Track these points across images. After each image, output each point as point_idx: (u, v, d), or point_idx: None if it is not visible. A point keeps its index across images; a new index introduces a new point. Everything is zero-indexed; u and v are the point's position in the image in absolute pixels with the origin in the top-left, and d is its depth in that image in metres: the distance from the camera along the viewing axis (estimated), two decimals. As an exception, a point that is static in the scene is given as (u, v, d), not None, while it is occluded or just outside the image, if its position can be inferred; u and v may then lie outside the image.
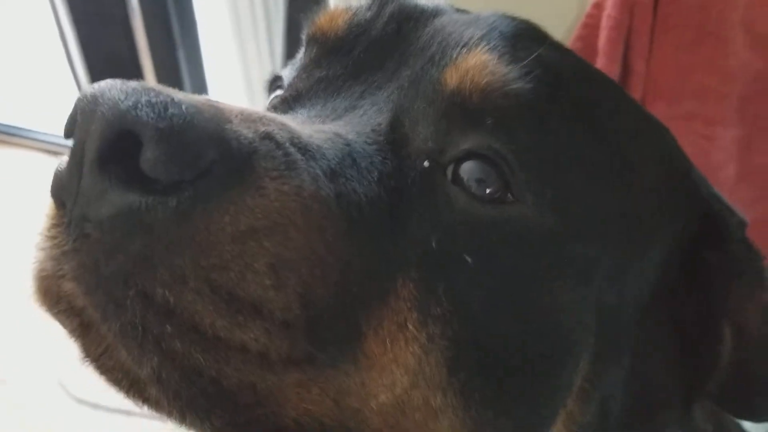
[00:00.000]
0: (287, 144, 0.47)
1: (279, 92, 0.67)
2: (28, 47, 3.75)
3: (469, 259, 0.51)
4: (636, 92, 1.24)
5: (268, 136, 0.46)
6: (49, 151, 3.65)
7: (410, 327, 0.50)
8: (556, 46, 0.60)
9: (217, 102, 0.47)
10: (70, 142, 0.44)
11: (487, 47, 0.54)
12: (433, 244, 0.51)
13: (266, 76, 2.08)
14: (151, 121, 0.39)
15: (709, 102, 1.21)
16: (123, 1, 2.23)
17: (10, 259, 2.97)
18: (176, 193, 0.41)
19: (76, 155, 0.42)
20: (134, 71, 2.38)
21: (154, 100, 0.40)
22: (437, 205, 0.52)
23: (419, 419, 0.52)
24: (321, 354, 0.47)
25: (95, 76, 2.47)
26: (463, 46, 0.56)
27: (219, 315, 0.43)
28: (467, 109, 0.53)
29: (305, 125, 0.54)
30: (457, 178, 0.53)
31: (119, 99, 0.40)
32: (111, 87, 0.41)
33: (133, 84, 0.42)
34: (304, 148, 0.48)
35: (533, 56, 0.53)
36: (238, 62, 2.30)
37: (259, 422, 0.46)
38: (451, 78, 0.54)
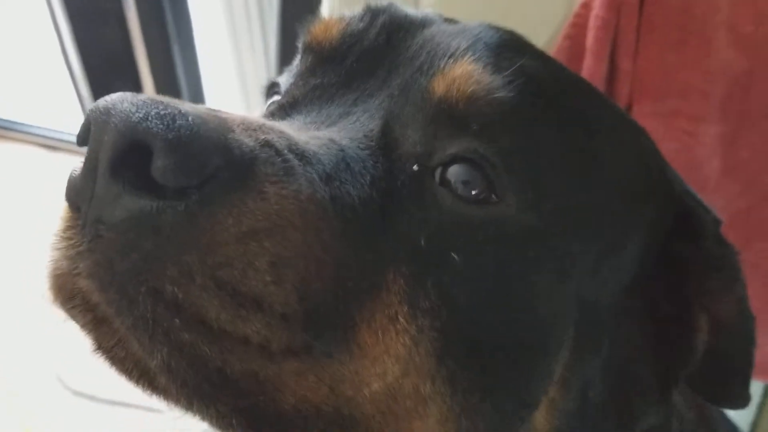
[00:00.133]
0: (286, 151, 0.50)
1: (276, 98, 0.70)
2: (25, 42, 3.73)
3: (455, 256, 0.54)
4: (623, 89, 1.26)
5: (267, 144, 0.49)
6: (45, 146, 3.63)
7: (401, 319, 0.52)
8: (538, 56, 0.63)
9: (220, 111, 0.50)
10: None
11: (472, 58, 0.57)
12: (422, 242, 0.54)
13: (260, 71, 2.09)
14: (160, 132, 0.42)
15: (693, 99, 1.22)
16: (118, -4, 2.25)
17: (7, 255, 2.98)
18: (184, 197, 0.44)
19: (91, 163, 0.44)
20: (130, 67, 2.40)
21: (162, 112, 0.43)
22: (426, 205, 0.55)
23: (410, 405, 0.54)
24: (317, 345, 0.49)
25: (91, 71, 2.48)
26: (450, 57, 0.59)
27: (223, 309, 0.46)
28: (454, 115, 0.56)
29: (302, 132, 0.57)
30: (444, 181, 0.55)
31: (131, 111, 0.43)
32: (123, 100, 0.44)
33: (143, 97, 0.44)
34: (301, 154, 0.51)
35: (515, 66, 0.56)
36: (232, 58, 2.30)
37: (260, 408, 0.49)
38: (439, 86, 0.57)
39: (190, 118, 0.44)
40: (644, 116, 1.24)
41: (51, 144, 3.61)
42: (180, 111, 0.44)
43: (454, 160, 0.55)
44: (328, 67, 0.65)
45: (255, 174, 0.47)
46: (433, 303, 0.53)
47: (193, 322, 0.45)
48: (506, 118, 0.55)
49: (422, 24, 0.66)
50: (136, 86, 2.42)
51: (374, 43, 0.65)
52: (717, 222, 0.66)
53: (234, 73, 2.34)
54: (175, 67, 2.38)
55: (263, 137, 0.50)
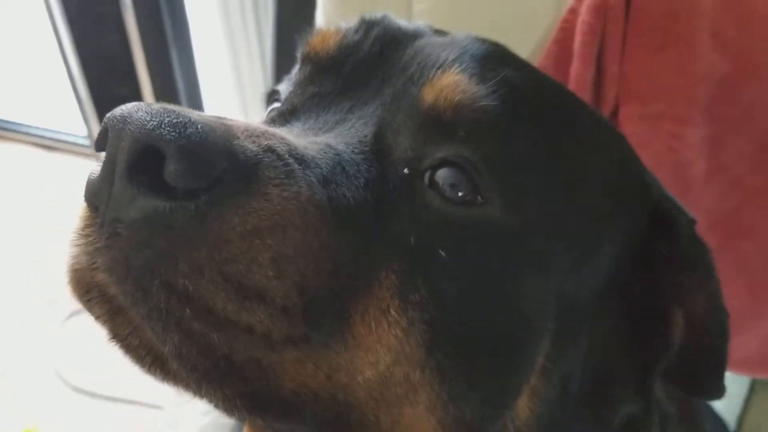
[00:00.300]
0: (286, 155, 0.53)
1: (276, 105, 0.73)
2: (23, 42, 3.73)
3: (443, 253, 0.56)
4: (610, 93, 1.27)
5: (270, 149, 0.52)
6: (43, 146, 3.64)
7: (392, 312, 0.55)
8: (522, 66, 0.66)
9: (226, 119, 0.53)
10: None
11: (459, 68, 0.60)
12: (412, 241, 0.57)
13: (256, 71, 2.11)
14: (173, 139, 0.45)
15: (679, 103, 1.24)
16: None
17: (6, 254, 3.00)
18: (194, 198, 0.47)
19: (109, 166, 0.48)
20: (128, 68, 2.41)
21: (175, 120, 0.46)
22: (416, 206, 0.58)
23: (400, 392, 0.57)
24: (315, 335, 0.53)
25: (89, 72, 2.49)
26: (439, 67, 0.61)
27: (230, 301, 0.49)
28: (442, 122, 0.59)
29: (301, 137, 0.60)
30: (433, 183, 0.58)
31: (145, 120, 0.46)
32: (138, 108, 0.47)
33: (156, 106, 0.47)
34: (301, 159, 0.54)
35: (499, 77, 0.59)
36: (228, 58, 2.32)
37: (262, 392, 0.52)
38: (428, 95, 0.60)
39: (199, 126, 0.47)
40: (631, 119, 1.26)
41: (49, 144, 3.61)
42: (190, 119, 0.47)
43: (442, 164, 0.58)
44: (326, 77, 0.68)
45: (259, 177, 0.50)
46: (422, 297, 0.56)
47: (202, 312, 0.48)
48: (490, 125, 0.58)
49: (414, 36, 0.69)
50: (135, 87, 2.43)
51: (369, 54, 0.68)
52: (691, 222, 0.68)
53: (230, 74, 2.35)
54: (173, 68, 2.40)
55: (266, 143, 0.53)
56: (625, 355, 0.69)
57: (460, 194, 0.58)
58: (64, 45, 2.50)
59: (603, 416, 0.70)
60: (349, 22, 0.73)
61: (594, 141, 0.67)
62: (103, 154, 0.49)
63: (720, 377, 0.70)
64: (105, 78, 2.49)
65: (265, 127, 0.57)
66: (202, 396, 0.53)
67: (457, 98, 0.59)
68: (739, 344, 1.35)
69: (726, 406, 1.51)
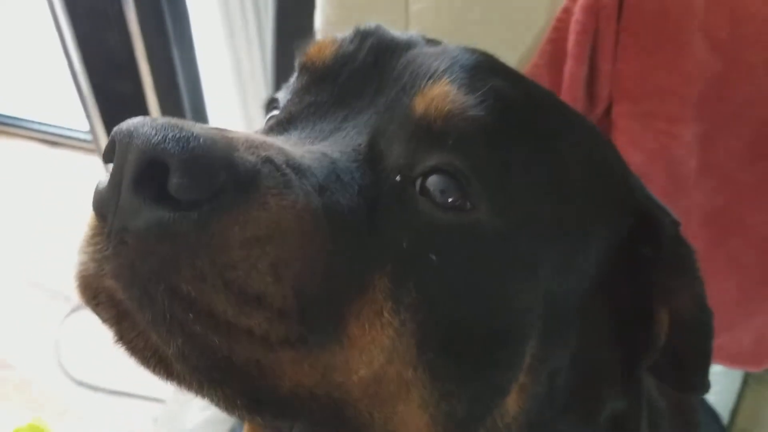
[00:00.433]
0: (284, 166, 0.55)
1: (275, 112, 0.75)
2: (25, 38, 3.73)
3: (434, 257, 0.58)
4: (603, 91, 1.28)
5: (268, 160, 0.54)
6: (46, 141, 3.66)
7: (385, 314, 0.57)
8: (509, 75, 0.68)
9: (226, 131, 0.55)
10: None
11: (449, 79, 0.62)
12: (404, 245, 0.58)
13: (256, 65, 2.12)
14: (176, 153, 0.48)
15: (671, 101, 1.25)
16: (118, -1, 2.27)
17: (9, 249, 3.01)
18: (197, 208, 0.49)
19: (116, 178, 0.50)
20: (129, 64, 2.42)
21: (178, 135, 0.48)
22: (407, 212, 0.60)
23: (393, 390, 0.59)
24: (311, 336, 0.55)
25: (91, 69, 2.50)
26: (430, 78, 0.63)
27: (230, 305, 0.51)
28: (432, 131, 0.61)
29: (297, 146, 0.62)
30: (424, 190, 0.60)
31: (150, 134, 0.48)
32: (144, 124, 0.49)
33: (161, 121, 0.49)
34: (298, 168, 0.56)
35: (487, 87, 0.61)
36: (228, 54, 2.33)
37: (261, 391, 0.55)
38: (419, 105, 0.62)
39: (201, 140, 0.49)
40: (624, 117, 1.27)
41: (51, 140, 3.63)
42: (193, 134, 0.49)
43: (432, 171, 0.60)
44: (322, 86, 0.70)
45: (257, 187, 0.52)
46: (414, 299, 0.58)
47: (204, 316, 0.50)
48: (478, 134, 0.59)
49: (406, 46, 0.71)
50: (136, 83, 2.44)
51: (363, 64, 0.69)
52: (675, 224, 0.69)
53: (231, 71, 2.36)
54: (174, 64, 2.40)
55: (264, 154, 0.55)
56: (611, 352, 0.71)
57: (449, 200, 0.59)
58: (66, 42, 2.50)
59: (590, 411, 0.72)
60: (344, 31, 0.75)
61: (580, 146, 0.68)
62: (110, 166, 0.51)
63: (705, 374, 0.72)
64: (107, 75, 2.50)
65: (264, 138, 0.59)
66: (204, 395, 0.55)
67: (446, 108, 0.60)
68: (731, 339, 1.37)
69: (719, 400, 1.53)
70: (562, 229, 0.64)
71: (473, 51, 0.67)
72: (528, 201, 0.61)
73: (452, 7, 1.38)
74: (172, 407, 1.62)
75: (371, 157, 0.62)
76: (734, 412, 1.59)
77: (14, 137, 3.70)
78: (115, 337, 0.55)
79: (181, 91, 2.48)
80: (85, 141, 3.48)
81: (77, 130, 3.56)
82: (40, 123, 3.68)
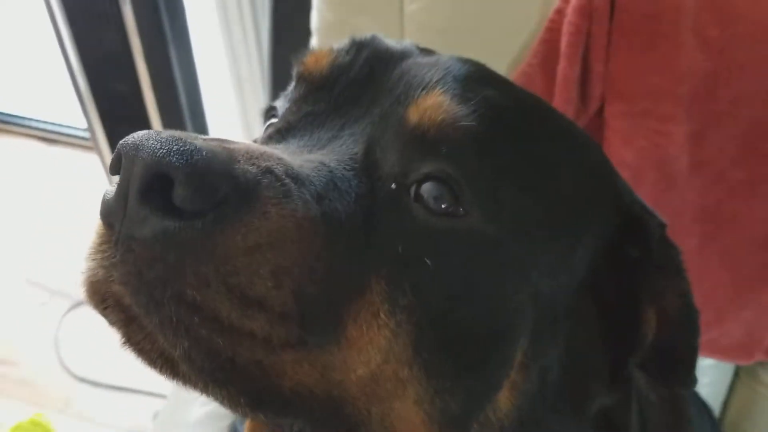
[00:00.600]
0: (283, 176, 0.57)
1: (273, 120, 0.77)
2: (23, 36, 3.72)
3: (428, 261, 0.60)
4: (596, 91, 1.29)
5: (268, 170, 0.56)
6: (43, 139, 3.65)
7: (382, 316, 0.59)
8: (501, 85, 0.69)
9: (228, 142, 0.58)
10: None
11: (442, 90, 0.64)
12: (400, 250, 0.60)
13: (254, 65, 2.13)
14: (180, 166, 0.50)
15: (663, 100, 1.25)
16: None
17: (7, 247, 3.02)
18: (201, 218, 0.52)
19: (122, 189, 0.52)
20: (127, 63, 2.43)
21: (182, 149, 0.50)
22: (402, 218, 0.61)
23: (390, 388, 0.61)
24: (311, 338, 0.57)
25: (89, 67, 2.50)
26: (423, 88, 0.65)
27: (233, 309, 0.53)
28: (426, 140, 0.62)
29: (296, 155, 0.64)
30: (418, 197, 0.61)
31: (156, 148, 0.50)
32: (149, 137, 0.51)
33: (166, 134, 0.52)
34: (296, 178, 0.58)
35: (479, 97, 0.63)
36: (226, 54, 2.35)
37: (263, 390, 0.57)
38: (413, 115, 0.64)
39: (204, 153, 0.51)
40: (616, 117, 1.29)
41: (49, 137, 3.62)
42: (196, 147, 0.51)
43: (426, 178, 0.61)
44: (319, 96, 0.72)
45: (258, 197, 0.54)
46: (409, 301, 0.59)
47: (208, 320, 0.52)
48: (470, 142, 0.61)
49: (401, 56, 0.72)
50: (134, 82, 2.45)
51: (359, 74, 0.71)
52: (662, 226, 0.71)
53: (228, 70, 2.38)
54: (171, 64, 2.41)
55: (264, 164, 0.57)
56: (600, 350, 0.73)
57: (443, 206, 0.61)
58: (64, 41, 2.51)
59: (580, 407, 0.74)
60: (340, 37, 0.77)
61: (569, 152, 0.70)
62: (116, 178, 0.53)
63: (691, 370, 0.73)
64: (104, 73, 2.50)
65: (263, 149, 0.61)
66: (208, 394, 0.57)
67: (440, 118, 0.62)
68: (723, 332, 1.39)
69: (711, 392, 1.53)
70: (552, 233, 0.66)
71: (465, 61, 0.69)
72: (519, 206, 0.63)
73: (446, 7, 1.39)
74: (173, 402, 1.63)
75: (367, 165, 0.64)
76: (725, 404, 1.60)
77: (12, 134, 3.69)
78: (123, 340, 0.57)
79: (178, 89, 2.49)
80: (82, 138, 3.48)
81: (75, 128, 3.56)
82: (37, 120, 3.67)
